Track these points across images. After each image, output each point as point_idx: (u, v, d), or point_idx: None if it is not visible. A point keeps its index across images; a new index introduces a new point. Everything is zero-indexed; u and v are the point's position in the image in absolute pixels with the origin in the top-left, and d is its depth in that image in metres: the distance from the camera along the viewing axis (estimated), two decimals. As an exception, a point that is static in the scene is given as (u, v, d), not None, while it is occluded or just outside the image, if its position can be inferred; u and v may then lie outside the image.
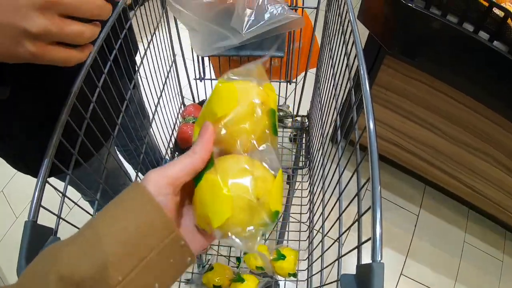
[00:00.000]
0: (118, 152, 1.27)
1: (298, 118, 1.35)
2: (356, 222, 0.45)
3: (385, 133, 1.49)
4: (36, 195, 0.48)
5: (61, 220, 0.53)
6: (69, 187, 0.61)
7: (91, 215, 0.66)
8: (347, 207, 0.52)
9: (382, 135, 1.50)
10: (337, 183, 0.62)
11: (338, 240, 0.55)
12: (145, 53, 0.92)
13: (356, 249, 0.43)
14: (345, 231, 0.51)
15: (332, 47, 0.84)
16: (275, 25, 0.80)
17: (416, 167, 1.60)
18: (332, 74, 0.78)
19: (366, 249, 0.40)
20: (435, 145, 1.42)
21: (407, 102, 1.31)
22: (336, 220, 0.57)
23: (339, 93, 0.72)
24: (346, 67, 0.63)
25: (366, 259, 0.40)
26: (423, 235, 1.67)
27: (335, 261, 0.56)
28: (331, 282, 0.57)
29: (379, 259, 0.37)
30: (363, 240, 0.42)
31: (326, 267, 0.65)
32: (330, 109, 0.85)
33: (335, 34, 0.82)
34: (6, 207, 1.80)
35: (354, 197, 0.47)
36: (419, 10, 0.98)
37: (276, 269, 0.84)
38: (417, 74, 1.20)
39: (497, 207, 1.51)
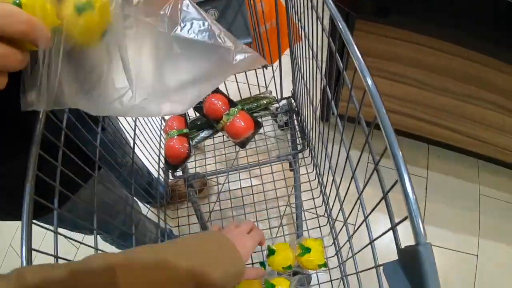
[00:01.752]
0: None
1: (284, 101, 1.29)
2: (383, 201, 0.38)
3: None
4: (24, 239, 0.46)
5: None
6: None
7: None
8: (365, 185, 0.46)
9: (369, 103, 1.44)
10: (346, 160, 0.55)
11: (366, 221, 0.49)
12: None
13: (391, 232, 0.37)
14: (372, 211, 0.45)
15: (301, 17, 0.78)
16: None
17: (414, 128, 1.54)
18: (308, 44, 0.71)
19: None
20: (427, 101, 1.35)
21: (389, 63, 1.25)
22: (357, 201, 0.51)
23: (320, 58, 0.65)
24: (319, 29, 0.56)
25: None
26: (436, 197, 1.60)
27: (367, 245, 0.50)
28: (369, 269, 0.51)
29: (424, 240, 0.31)
30: (395, 219, 0.36)
31: (358, 252, 0.59)
32: (316, 81, 0.78)
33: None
34: (16, 260, 1.72)
35: (373, 172, 0.41)
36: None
37: (304, 264, 0.78)
38: (393, 32, 1.13)
39: (505, 151, 1.46)
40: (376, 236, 0.45)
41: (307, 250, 0.76)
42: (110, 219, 0.85)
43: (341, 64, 0.47)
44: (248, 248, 0.60)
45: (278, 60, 1.13)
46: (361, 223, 0.50)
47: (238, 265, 0.53)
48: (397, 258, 0.35)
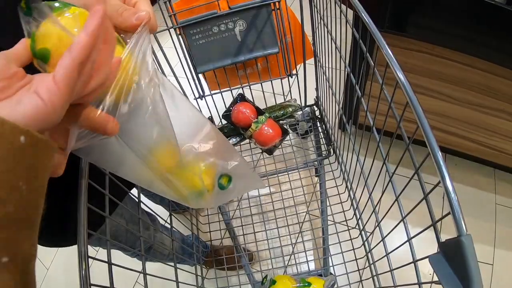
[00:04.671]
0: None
1: (307, 109, 1.32)
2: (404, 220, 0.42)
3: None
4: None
5: None
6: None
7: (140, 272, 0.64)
8: (411, 210, 0.49)
9: (390, 113, 1.48)
10: (382, 166, 0.58)
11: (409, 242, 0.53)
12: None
13: (432, 228, 0.41)
14: (419, 233, 0.48)
15: (324, 16, 0.83)
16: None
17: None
18: (331, 38, 0.76)
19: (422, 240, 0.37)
20: (446, 112, 1.38)
21: (410, 75, 1.28)
22: (401, 220, 0.54)
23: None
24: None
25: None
26: (452, 206, 1.60)
27: (407, 264, 0.53)
28: (403, 265, 0.54)
29: (465, 231, 0.34)
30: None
31: (396, 268, 0.61)
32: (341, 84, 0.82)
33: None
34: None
35: (425, 197, 0.44)
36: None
37: None
38: (414, 45, 1.16)
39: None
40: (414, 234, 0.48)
41: (308, 284, 0.78)
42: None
43: (380, 80, 0.51)
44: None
45: (303, 70, 1.17)
46: (404, 243, 0.54)
47: None
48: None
